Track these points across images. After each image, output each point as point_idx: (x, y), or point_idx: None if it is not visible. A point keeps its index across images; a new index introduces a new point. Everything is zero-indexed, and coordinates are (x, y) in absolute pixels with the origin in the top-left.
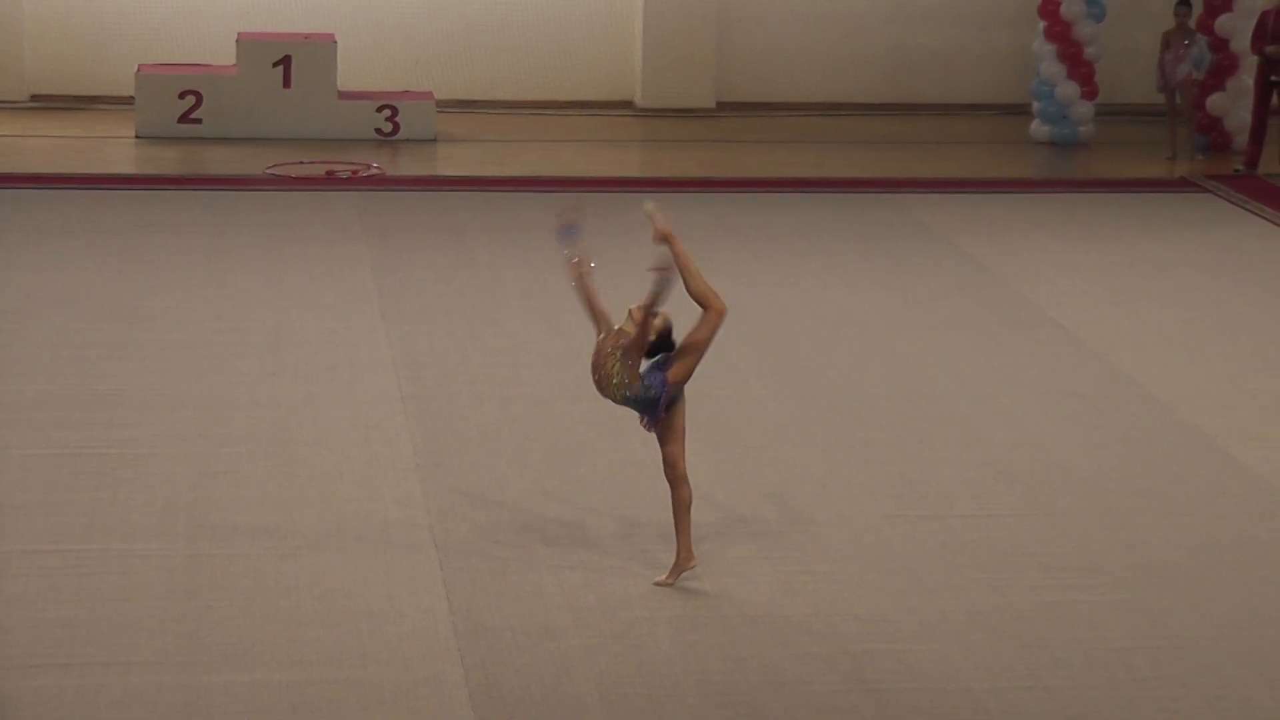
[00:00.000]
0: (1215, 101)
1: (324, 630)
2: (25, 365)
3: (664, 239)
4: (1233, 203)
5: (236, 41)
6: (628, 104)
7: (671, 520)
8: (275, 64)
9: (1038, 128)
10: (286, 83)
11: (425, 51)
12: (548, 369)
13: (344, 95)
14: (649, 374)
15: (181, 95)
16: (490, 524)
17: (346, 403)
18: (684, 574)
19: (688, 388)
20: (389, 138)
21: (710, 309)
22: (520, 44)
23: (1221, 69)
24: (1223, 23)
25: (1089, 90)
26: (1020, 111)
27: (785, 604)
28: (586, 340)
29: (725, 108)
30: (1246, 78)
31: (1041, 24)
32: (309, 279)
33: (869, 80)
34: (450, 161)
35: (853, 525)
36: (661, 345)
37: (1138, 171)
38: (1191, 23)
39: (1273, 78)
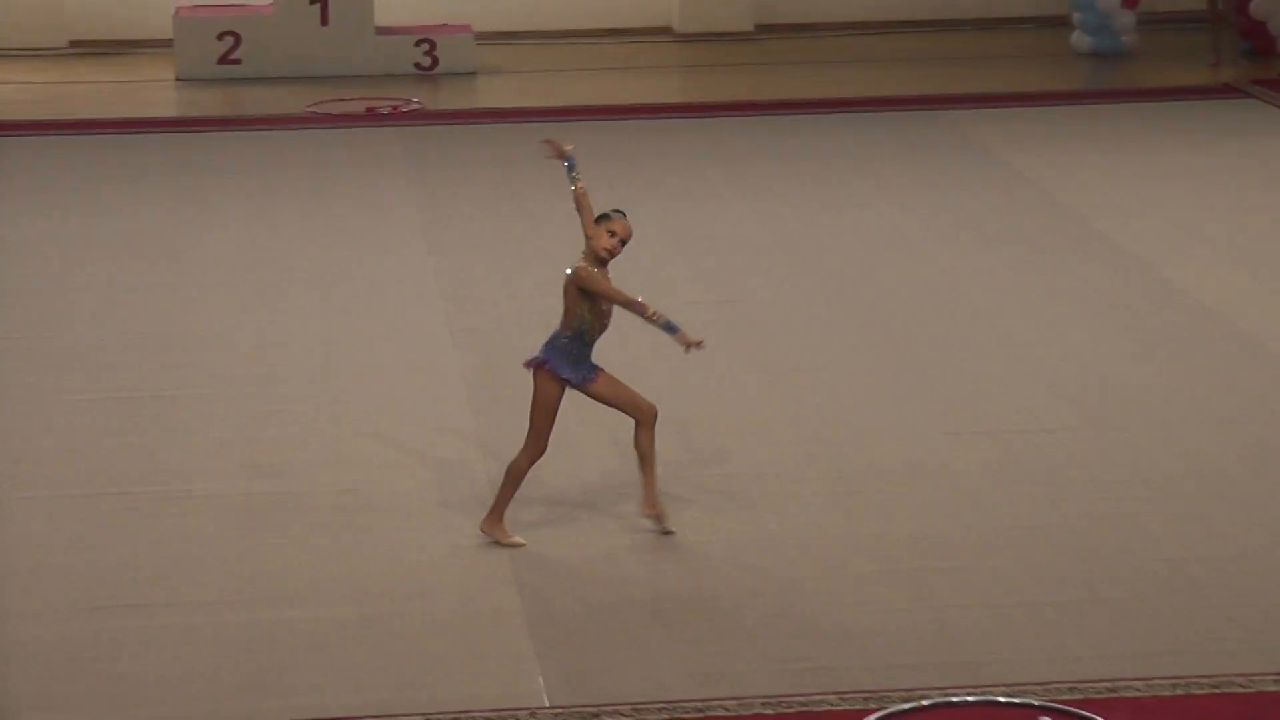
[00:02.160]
0: (1258, 6)
1: (382, 565)
2: (75, 311)
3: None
4: (1278, 107)
5: None
6: (666, 30)
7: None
8: (313, 2)
9: (1079, 39)
10: (324, 20)
11: None
12: None
13: (382, 31)
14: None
15: (220, 36)
16: (545, 456)
17: (397, 338)
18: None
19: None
20: (428, 72)
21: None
22: None
23: None
24: None
25: None
26: (1060, 24)
27: (840, 524)
28: (633, 267)
29: (763, 30)
30: None
31: None
32: (353, 216)
33: None
34: (490, 94)
35: (905, 443)
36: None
37: (1182, 80)
38: None
39: None
